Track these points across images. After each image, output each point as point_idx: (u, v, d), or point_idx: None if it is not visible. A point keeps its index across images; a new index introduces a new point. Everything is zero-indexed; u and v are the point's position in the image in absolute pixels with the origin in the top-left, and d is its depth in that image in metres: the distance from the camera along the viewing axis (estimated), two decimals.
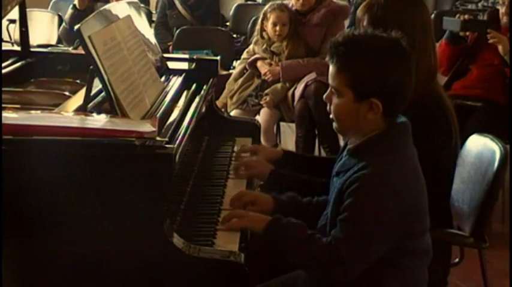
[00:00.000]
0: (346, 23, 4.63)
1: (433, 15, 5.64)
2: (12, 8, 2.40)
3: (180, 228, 1.86)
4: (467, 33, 4.09)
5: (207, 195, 2.18)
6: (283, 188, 2.16)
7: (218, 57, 2.83)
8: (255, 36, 4.46)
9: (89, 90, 2.00)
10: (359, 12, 2.14)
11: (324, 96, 1.82)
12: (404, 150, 1.79)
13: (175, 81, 2.46)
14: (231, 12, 6.30)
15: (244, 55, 4.52)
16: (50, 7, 6.10)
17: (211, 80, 2.62)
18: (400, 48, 1.75)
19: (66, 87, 2.51)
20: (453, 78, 4.22)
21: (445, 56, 4.19)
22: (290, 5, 4.37)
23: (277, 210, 2.03)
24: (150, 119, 1.95)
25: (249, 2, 7.11)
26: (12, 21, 4.93)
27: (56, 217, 1.72)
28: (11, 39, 5.28)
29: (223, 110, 3.63)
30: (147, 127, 1.80)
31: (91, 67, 1.93)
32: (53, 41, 5.23)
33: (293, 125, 4.40)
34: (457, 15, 4.07)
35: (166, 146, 1.76)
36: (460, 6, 6.91)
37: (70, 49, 4.53)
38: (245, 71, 4.46)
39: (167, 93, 2.29)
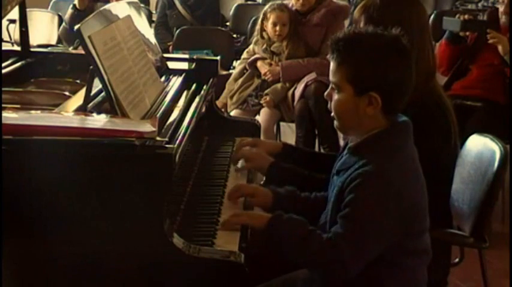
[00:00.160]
0: (346, 23, 4.62)
1: (433, 15, 5.65)
2: (12, 8, 2.40)
3: (180, 228, 1.86)
4: (467, 33, 4.09)
5: (207, 195, 2.18)
6: (283, 181, 2.16)
7: (218, 57, 2.83)
8: (255, 36, 4.46)
9: (89, 90, 2.00)
10: (356, 13, 2.15)
11: (325, 93, 1.83)
12: (405, 149, 1.79)
13: (175, 81, 2.46)
14: (231, 12, 6.30)
15: (244, 55, 4.51)
16: (50, 7, 6.10)
17: (211, 80, 2.62)
18: (400, 45, 1.77)
19: (66, 87, 2.51)
20: (453, 78, 4.22)
21: (445, 56, 4.20)
22: (290, 5, 4.37)
23: (275, 203, 2.04)
24: (150, 119, 1.95)
25: (249, 2, 7.11)
26: (12, 21, 4.93)
27: (56, 217, 1.72)
28: (11, 39, 5.28)
29: (223, 110, 3.63)
30: (147, 127, 1.80)
31: (91, 67, 1.93)
32: (53, 41, 5.23)
33: (293, 125, 4.40)
34: (457, 15, 4.07)
35: (166, 146, 1.76)
36: (460, 6, 6.91)
37: (70, 49, 4.54)
38: (245, 71, 4.46)
39: (167, 93, 2.29)
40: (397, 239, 1.73)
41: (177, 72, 2.58)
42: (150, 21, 5.53)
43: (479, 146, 2.34)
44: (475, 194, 2.26)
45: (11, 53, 2.77)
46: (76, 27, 1.91)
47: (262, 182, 2.38)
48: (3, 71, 2.52)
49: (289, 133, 4.81)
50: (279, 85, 4.32)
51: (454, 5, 6.97)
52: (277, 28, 4.28)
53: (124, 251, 1.73)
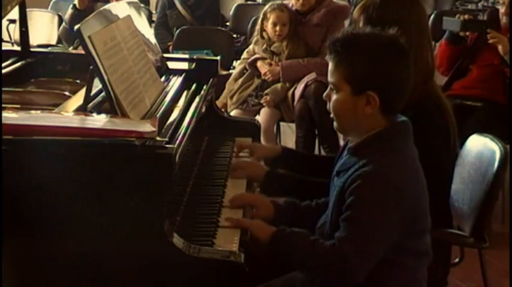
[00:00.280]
0: (346, 23, 4.62)
1: (433, 15, 5.65)
2: (12, 8, 2.40)
3: (180, 228, 1.86)
4: (467, 33, 4.09)
5: (207, 195, 2.18)
6: (279, 189, 2.16)
7: (218, 57, 2.83)
8: (255, 36, 4.46)
9: (89, 90, 2.00)
10: (355, 13, 2.15)
11: (324, 94, 1.83)
12: (405, 149, 1.79)
13: (175, 81, 2.46)
14: (231, 12, 6.30)
15: (244, 55, 4.52)
16: (50, 7, 6.10)
17: (211, 80, 2.62)
18: (397, 45, 1.77)
19: (66, 87, 2.51)
20: (453, 78, 4.22)
21: (445, 56, 4.20)
22: (290, 5, 4.37)
23: (276, 216, 2.04)
24: (150, 119, 1.95)
25: (249, 2, 7.11)
26: (12, 21, 4.93)
27: (56, 217, 1.72)
28: (11, 39, 5.28)
29: (223, 110, 3.62)
30: (147, 127, 1.80)
31: (91, 67, 1.93)
32: (53, 41, 5.23)
33: (293, 125, 4.40)
34: (457, 15, 4.08)
35: (166, 146, 1.76)
36: (460, 6, 6.91)
37: (70, 49, 4.54)
38: (245, 71, 4.46)
39: (167, 93, 2.29)
40: (398, 240, 1.73)
41: (177, 72, 2.58)
42: (150, 21, 5.53)
43: (479, 146, 2.34)
44: (475, 194, 2.26)
45: (11, 53, 2.77)
46: (76, 27, 1.91)
47: (258, 189, 2.38)
48: (3, 71, 2.52)
49: (289, 133, 4.81)
50: (279, 85, 4.32)
51: (454, 5, 6.97)
52: (277, 28, 4.28)
53: (124, 251, 1.73)
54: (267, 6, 4.40)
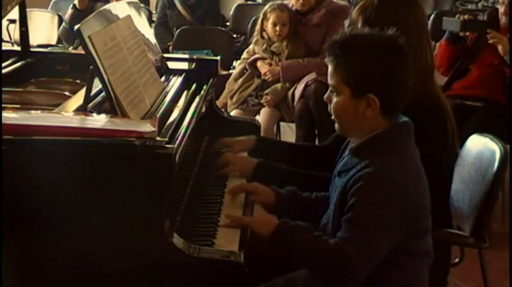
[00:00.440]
0: (346, 23, 4.62)
1: (433, 16, 5.65)
2: (12, 8, 2.40)
3: (180, 228, 1.86)
4: (467, 33, 4.09)
5: (207, 195, 2.18)
6: (270, 182, 2.16)
7: (218, 57, 2.83)
8: (255, 36, 4.46)
9: (89, 90, 2.00)
10: (354, 14, 2.16)
11: (325, 97, 1.83)
12: (407, 149, 1.79)
13: (175, 81, 2.46)
14: (231, 12, 6.30)
15: (244, 55, 4.51)
16: (50, 7, 6.10)
17: (211, 80, 2.62)
18: (396, 45, 1.77)
19: (66, 87, 2.51)
20: (453, 79, 4.22)
21: (445, 56, 4.20)
22: (290, 5, 4.37)
23: (277, 202, 2.04)
24: (150, 119, 1.95)
25: (249, 2, 7.11)
26: (12, 21, 4.92)
27: (56, 217, 1.72)
28: (11, 39, 5.28)
29: (223, 110, 3.63)
30: (147, 127, 1.80)
31: (91, 67, 1.93)
32: (53, 41, 5.23)
33: (293, 125, 4.39)
34: (457, 16, 4.07)
35: (166, 146, 1.76)
36: (460, 6, 6.92)
37: (70, 49, 4.54)
38: (245, 71, 4.46)
39: (167, 93, 2.29)
40: (399, 240, 1.73)
41: (177, 72, 2.58)
42: (150, 21, 5.53)
43: (479, 146, 2.35)
44: (475, 194, 2.26)
45: (11, 53, 2.77)
46: (76, 27, 1.91)
47: None
48: (3, 71, 2.52)
49: (289, 133, 4.81)
50: (279, 85, 4.31)
51: (454, 5, 6.98)
52: (277, 28, 4.28)
53: (124, 251, 1.73)
54: (267, 6, 4.40)
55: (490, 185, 2.21)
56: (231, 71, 4.90)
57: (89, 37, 1.91)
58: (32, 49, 2.81)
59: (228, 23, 6.38)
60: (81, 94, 2.08)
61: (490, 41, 3.99)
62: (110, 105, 1.94)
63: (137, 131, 1.76)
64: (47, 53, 2.93)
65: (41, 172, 1.70)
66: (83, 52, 1.95)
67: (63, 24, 5.18)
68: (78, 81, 2.56)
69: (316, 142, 4.33)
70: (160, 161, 1.73)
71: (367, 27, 1.89)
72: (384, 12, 2.09)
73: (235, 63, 5.10)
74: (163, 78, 2.46)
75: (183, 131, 1.97)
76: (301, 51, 4.32)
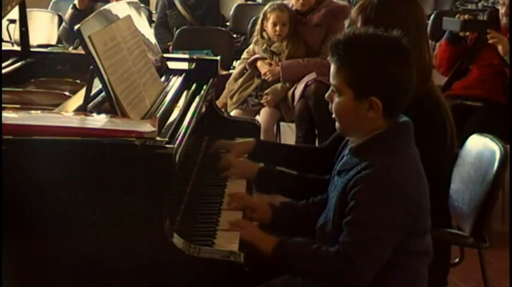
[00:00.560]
0: (346, 23, 4.62)
1: (433, 15, 5.65)
2: (12, 8, 2.40)
3: (180, 228, 1.86)
4: (467, 33, 4.09)
5: (207, 195, 2.18)
6: (272, 186, 2.16)
7: (218, 57, 2.83)
8: (255, 36, 4.46)
9: (89, 90, 2.00)
10: (353, 13, 2.15)
11: (326, 95, 1.83)
12: (407, 149, 1.79)
13: (175, 81, 2.46)
14: (231, 12, 6.30)
15: (244, 55, 4.51)
16: (50, 7, 6.10)
17: (211, 80, 2.62)
18: (400, 47, 1.76)
19: (66, 87, 2.51)
20: (453, 79, 4.22)
21: (445, 56, 4.20)
22: (290, 5, 4.37)
23: (274, 219, 2.04)
24: (150, 119, 1.95)
25: (249, 2, 7.11)
26: (12, 21, 4.93)
27: (55, 216, 1.72)
28: (11, 39, 5.28)
29: (223, 110, 3.63)
30: (147, 127, 1.80)
31: (91, 67, 1.93)
32: (53, 41, 5.23)
33: (293, 125, 4.39)
34: (457, 16, 4.08)
35: (166, 146, 1.76)
36: (460, 6, 6.92)
37: (70, 49, 4.54)
38: (245, 71, 4.46)
39: (167, 93, 2.29)
40: (399, 241, 1.73)
41: (177, 72, 2.58)
42: (150, 21, 5.53)
43: (479, 146, 2.35)
44: (475, 194, 2.26)
45: (11, 53, 2.76)
46: (76, 27, 1.91)
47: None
48: (3, 71, 2.52)
49: (289, 133, 4.81)
50: (279, 85, 4.31)
51: (454, 5, 6.98)
52: (277, 28, 4.28)
53: (124, 251, 1.73)
54: (267, 6, 4.40)
55: (490, 185, 2.21)
56: (231, 71, 4.90)
57: (89, 37, 1.91)
58: (32, 49, 2.81)
59: (228, 23, 6.38)
60: (81, 94, 2.08)
61: (490, 41, 3.99)
62: (110, 105, 1.94)
63: (137, 131, 1.76)
64: (47, 53, 2.93)
65: (41, 172, 1.70)
66: (83, 52, 1.95)
67: (63, 24, 5.18)
68: (78, 81, 2.56)
69: (316, 142, 4.33)
70: (160, 161, 1.73)
71: (367, 26, 1.89)
72: (383, 12, 2.09)
73: (235, 63, 5.10)
74: (163, 78, 2.46)
75: (183, 131, 1.97)
76: (301, 51, 4.32)
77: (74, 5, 4.96)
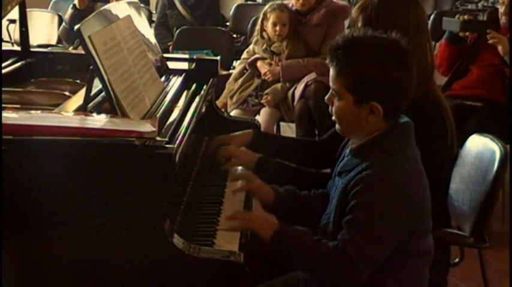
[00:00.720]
0: (346, 23, 4.63)
1: (433, 15, 5.65)
2: (12, 8, 2.40)
3: (180, 228, 1.86)
4: (467, 33, 4.09)
5: (207, 195, 2.18)
6: (271, 177, 2.16)
7: (218, 57, 2.83)
8: (255, 36, 4.46)
9: (89, 90, 2.00)
10: (353, 13, 2.15)
11: (326, 98, 1.82)
12: (407, 150, 1.79)
13: (175, 81, 2.46)
14: (231, 12, 6.30)
15: (244, 55, 4.51)
16: (50, 7, 6.10)
17: (211, 80, 2.62)
18: (399, 50, 1.75)
19: (66, 87, 2.51)
20: (453, 79, 4.23)
21: (445, 56, 4.20)
22: (290, 5, 4.37)
23: (276, 202, 2.04)
24: (150, 119, 1.95)
25: (249, 2, 7.11)
26: (12, 21, 4.93)
27: (55, 216, 1.72)
28: (11, 39, 5.28)
29: (223, 110, 3.63)
30: (147, 127, 1.80)
31: (91, 67, 1.93)
32: (53, 41, 5.23)
33: (293, 125, 4.40)
34: (457, 16, 4.07)
35: (166, 146, 1.76)
36: (460, 6, 6.91)
37: (70, 49, 4.54)
38: (245, 71, 4.46)
39: (167, 93, 2.29)
40: (400, 240, 1.73)
41: (177, 72, 2.58)
42: (150, 21, 5.53)
43: (479, 146, 2.35)
44: (475, 194, 2.26)
45: (11, 53, 2.76)
46: (76, 27, 1.91)
47: None
48: (3, 71, 2.52)
49: (289, 133, 4.82)
50: (279, 85, 4.31)
51: (454, 5, 6.97)
52: (277, 28, 4.28)
53: (124, 251, 1.73)
54: (267, 6, 4.40)
55: (490, 185, 2.21)
56: (231, 71, 4.90)
57: (89, 37, 1.91)
58: (32, 49, 2.81)
59: (228, 23, 6.38)
60: (81, 94, 2.08)
61: (490, 41, 4.00)
62: (110, 105, 1.94)
63: (137, 131, 1.76)
64: (47, 53, 2.93)
65: (41, 172, 1.70)
66: (83, 52, 1.95)
67: (63, 24, 5.18)
68: (78, 81, 2.56)
69: None
70: (160, 161, 1.73)
71: (367, 26, 1.88)
72: (383, 11, 2.09)
73: (235, 63, 5.10)
74: (163, 78, 2.46)
75: (183, 131, 1.97)
76: (301, 51, 4.32)
77: (74, 5, 4.96)
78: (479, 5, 6.91)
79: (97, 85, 2.01)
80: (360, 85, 1.73)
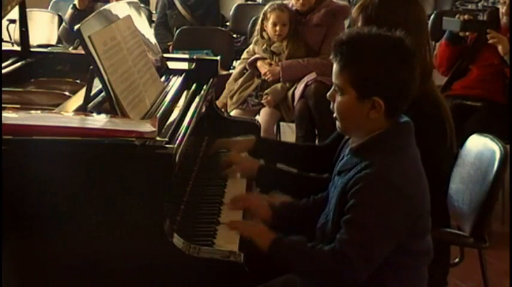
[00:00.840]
0: (346, 23, 4.62)
1: (433, 15, 5.65)
2: (12, 8, 2.40)
3: (180, 228, 1.86)
4: (467, 33, 4.09)
5: (207, 195, 2.19)
6: (273, 183, 2.16)
7: (218, 57, 2.83)
8: (255, 36, 4.46)
9: (89, 90, 2.00)
10: (354, 13, 2.15)
11: (328, 94, 1.83)
12: (407, 149, 1.79)
13: (175, 81, 2.46)
14: (231, 12, 6.30)
15: (244, 55, 4.51)
16: (50, 7, 6.09)
17: (211, 80, 2.62)
18: (404, 47, 1.76)
19: (66, 87, 2.51)
20: (453, 79, 4.22)
21: (445, 56, 4.20)
22: (290, 5, 4.37)
23: (275, 218, 2.04)
24: (150, 119, 1.95)
25: (249, 2, 7.11)
26: (12, 21, 4.93)
27: (55, 216, 1.72)
28: (11, 39, 5.28)
29: (223, 110, 3.63)
30: (147, 127, 1.80)
31: (91, 67, 1.93)
32: (53, 41, 5.23)
33: (293, 125, 4.39)
34: (457, 16, 4.07)
35: (166, 146, 1.76)
36: (460, 6, 6.91)
37: (70, 49, 4.54)
38: (245, 71, 4.46)
39: (167, 93, 2.29)
40: (400, 240, 1.73)
41: (177, 72, 2.58)
42: (150, 21, 5.53)
43: (479, 146, 2.35)
44: (475, 194, 2.26)
45: (11, 53, 2.77)
46: (76, 27, 1.91)
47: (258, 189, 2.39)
48: (3, 71, 2.52)
49: (289, 133, 4.81)
50: (279, 85, 4.31)
51: (454, 5, 6.97)
52: (277, 28, 4.28)
53: (124, 251, 1.73)
54: (267, 6, 4.40)
55: (490, 185, 2.21)
56: (231, 71, 4.90)
57: (89, 37, 1.91)
58: (32, 49, 2.81)
59: (228, 23, 6.38)
60: (81, 94, 2.08)
61: (490, 41, 4.00)
62: (110, 105, 1.94)
63: (137, 131, 1.76)
64: (47, 53, 2.93)
65: (41, 172, 1.70)
66: (83, 52, 1.95)
67: (63, 24, 5.18)
68: (78, 81, 2.56)
69: (317, 142, 4.33)
70: (160, 161, 1.73)
71: (367, 26, 1.89)
72: (384, 11, 2.09)
73: (235, 63, 5.09)
74: (163, 78, 2.46)
75: (183, 131, 1.97)
76: (301, 51, 4.32)
77: (74, 5, 4.95)
78: (479, 5, 6.91)
79: (97, 85, 2.01)
80: (363, 80, 1.73)
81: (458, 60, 4.20)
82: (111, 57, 1.99)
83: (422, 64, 2.08)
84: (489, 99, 4.09)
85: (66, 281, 1.75)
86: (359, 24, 2.10)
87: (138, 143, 1.72)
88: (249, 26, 5.30)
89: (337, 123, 1.83)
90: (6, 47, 3.96)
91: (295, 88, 4.27)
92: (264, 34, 4.37)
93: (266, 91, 4.31)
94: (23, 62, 2.70)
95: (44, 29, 5.39)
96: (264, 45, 4.37)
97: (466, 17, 4.01)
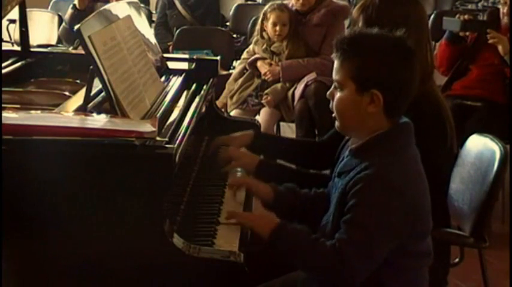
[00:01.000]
0: (346, 23, 4.62)
1: (433, 15, 5.65)
2: (12, 8, 2.40)
3: (180, 228, 1.86)
4: (467, 33, 4.09)
5: (207, 195, 2.19)
6: (272, 179, 2.17)
7: (218, 57, 2.83)
8: (255, 36, 4.46)
9: (89, 90, 2.00)
10: (354, 13, 2.16)
11: (328, 93, 1.83)
12: (407, 150, 1.79)
13: (175, 81, 2.46)
14: (231, 12, 6.30)
15: (244, 55, 4.52)
16: (50, 7, 6.10)
17: (211, 80, 2.62)
18: (404, 46, 1.78)
19: (66, 87, 2.51)
20: (453, 78, 4.23)
21: (445, 56, 4.20)
22: (290, 5, 4.37)
23: (276, 200, 2.04)
24: (150, 119, 1.95)
25: (249, 2, 7.11)
26: (12, 21, 4.93)
27: (55, 216, 1.72)
28: (11, 39, 5.28)
29: (223, 110, 3.63)
30: (147, 127, 1.80)
31: (91, 67, 1.93)
32: (53, 41, 5.23)
33: (293, 125, 4.40)
34: (457, 15, 4.08)
35: (166, 146, 1.76)
36: (460, 6, 6.92)
37: (70, 49, 4.54)
38: (245, 71, 4.46)
39: (167, 93, 2.29)
40: (400, 241, 1.73)
41: (177, 72, 2.58)
42: (150, 21, 5.53)
43: (479, 146, 2.35)
44: (475, 194, 2.26)
45: (11, 53, 2.77)
46: (76, 27, 1.91)
47: None
48: (3, 71, 2.52)
49: (289, 133, 4.82)
50: (279, 85, 4.32)
51: (454, 5, 6.98)
52: (277, 28, 4.28)
53: (124, 251, 1.73)
54: (267, 6, 4.40)
55: (490, 185, 2.21)
56: (231, 71, 4.90)
57: (89, 37, 1.91)
58: (32, 49, 2.81)
59: (228, 23, 6.38)
60: (81, 94, 2.08)
61: (490, 41, 4.00)
62: (110, 105, 1.94)
63: (137, 131, 1.76)
64: (47, 53, 2.93)
65: (41, 172, 1.70)
66: (83, 52, 1.95)
67: (63, 24, 5.18)
68: (78, 81, 2.56)
69: None
70: (160, 161, 1.73)
71: (368, 26, 1.90)
72: (384, 11, 2.09)
73: (235, 63, 5.10)
74: (163, 78, 2.46)
75: (183, 131, 1.97)
76: (301, 51, 4.32)
77: (74, 5, 4.96)
78: (479, 5, 6.91)
79: (97, 85, 2.01)
80: (362, 72, 1.75)
81: (458, 60, 4.20)
82: (111, 57, 1.99)
83: (423, 64, 2.09)
84: (489, 99, 4.09)
85: (66, 281, 1.75)
86: (360, 24, 2.11)
87: (138, 143, 1.72)
88: (249, 26, 5.30)
89: (336, 123, 1.83)
90: (6, 47, 3.96)
91: (295, 88, 4.27)
92: (264, 34, 4.38)
93: (266, 91, 4.31)
94: (23, 62, 2.70)
95: (44, 29, 5.39)
96: (264, 45, 4.37)
97: (466, 17, 4.01)
